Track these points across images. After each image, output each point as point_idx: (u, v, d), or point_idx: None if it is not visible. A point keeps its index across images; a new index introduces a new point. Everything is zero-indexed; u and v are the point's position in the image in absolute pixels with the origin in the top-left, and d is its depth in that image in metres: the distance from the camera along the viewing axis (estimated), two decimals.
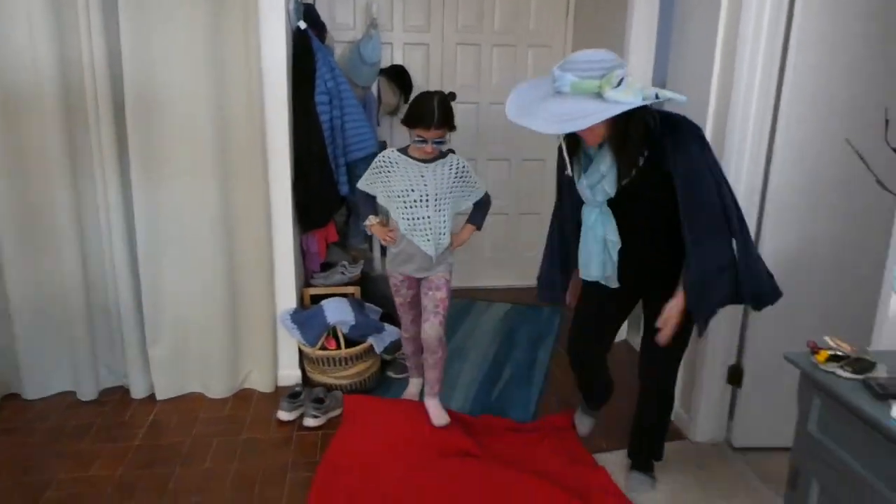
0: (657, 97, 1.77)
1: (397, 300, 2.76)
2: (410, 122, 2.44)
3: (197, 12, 2.69)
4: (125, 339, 2.98)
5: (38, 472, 2.48)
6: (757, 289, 1.97)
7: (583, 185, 2.05)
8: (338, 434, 2.73)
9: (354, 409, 2.89)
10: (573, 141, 2.05)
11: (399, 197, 2.54)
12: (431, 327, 2.62)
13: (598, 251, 2.07)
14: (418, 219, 2.54)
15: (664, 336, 2.03)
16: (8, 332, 2.91)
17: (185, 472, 2.51)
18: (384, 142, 4.09)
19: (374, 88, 4.03)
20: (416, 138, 2.44)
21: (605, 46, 1.92)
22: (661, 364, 2.26)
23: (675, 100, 1.79)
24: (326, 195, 3.17)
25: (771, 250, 2.40)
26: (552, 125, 1.78)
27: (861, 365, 1.34)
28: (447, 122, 2.42)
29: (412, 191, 2.53)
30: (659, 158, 1.92)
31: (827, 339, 1.41)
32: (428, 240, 2.56)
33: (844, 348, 1.38)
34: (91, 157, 2.80)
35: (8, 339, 2.92)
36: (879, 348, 1.57)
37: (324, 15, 3.62)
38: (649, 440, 2.43)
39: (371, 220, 2.67)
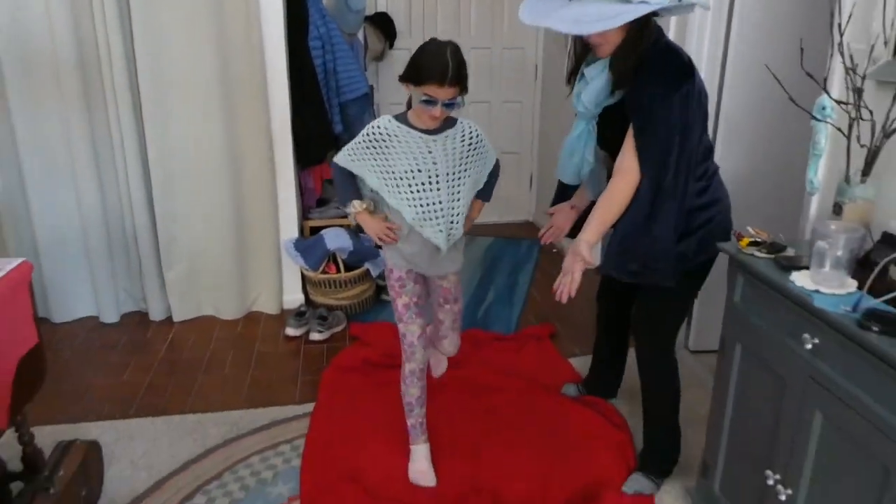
0: (681, 1, 1.69)
1: (400, 301, 2.13)
2: (416, 76, 1.85)
3: None
4: (143, 266, 3.28)
5: (76, 380, 2.80)
6: (653, 263, 1.86)
7: (573, 95, 2.00)
8: (344, 349, 3.06)
9: (359, 332, 3.21)
10: (582, 57, 1.96)
11: (403, 179, 1.96)
12: (452, 343, 2.30)
13: (573, 164, 2.05)
14: (428, 205, 1.97)
15: (564, 290, 1.87)
16: (35, 261, 3.18)
17: (206, 379, 2.85)
18: (371, 86, 4.33)
19: (360, 35, 4.25)
20: (424, 97, 1.85)
21: None
22: (640, 351, 2.15)
23: (700, 4, 1.73)
24: (322, 133, 3.45)
25: (723, 167, 2.74)
26: (571, 26, 1.70)
27: (774, 248, 1.68)
28: (463, 78, 1.85)
29: (418, 171, 1.95)
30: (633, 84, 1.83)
31: (749, 228, 1.75)
32: (440, 230, 1.99)
33: (762, 236, 1.72)
34: (105, 98, 3.04)
35: (35, 268, 3.19)
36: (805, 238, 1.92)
37: None
38: (647, 441, 2.22)
39: (355, 207, 2.06)
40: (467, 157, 2.01)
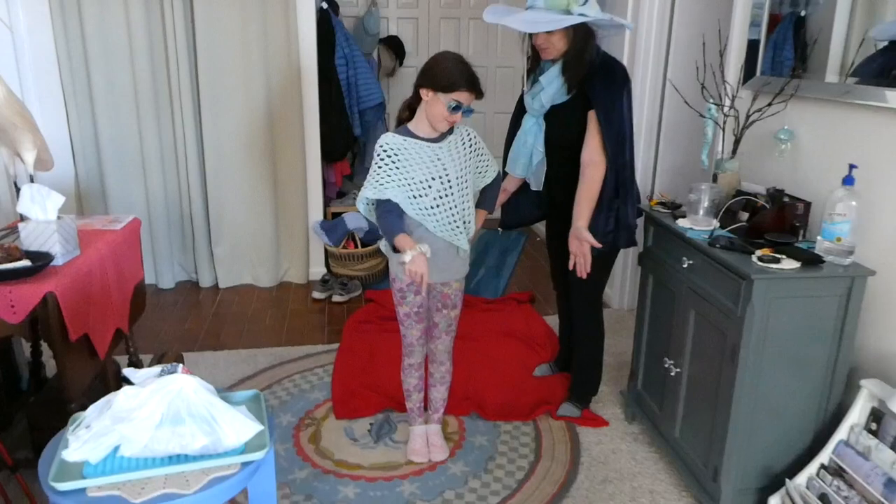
0: (612, 20, 2.18)
1: (402, 310, 2.29)
2: (446, 84, 1.97)
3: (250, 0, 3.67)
4: (196, 242, 3.99)
5: (150, 325, 3.50)
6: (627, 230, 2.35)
7: (527, 96, 2.41)
8: (361, 308, 3.76)
9: (373, 296, 3.91)
10: (535, 61, 2.38)
11: (421, 192, 2.04)
12: (443, 343, 2.38)
13: (525, 154, 2.44)
14: (447, 210, 2.07)
15: (580, 268, 2.31)
16: None
17: (251, 327, 3.55)
18: (384, 97, 5.08)
19: (374, 54, 5.00)
20: (453, 103, 1.97)
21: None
22: (575, 304, 2.56)
23: (625, 25, 2.22)
24: (344, 135, 4.18)
25: (665, 163, 3.46)
26: (525, 26, 2.12)
27: (672, 205, 2.38)
28: (481, 86, 2.03)
29: (433, 179, 2.04)
30: (589, 90, 2.23)
31: (658, 194, 2.46)
32: (460, 231, 2.11)
33: (666, 198, 2.43)
34: (171, 105, 3.78)
35: None
36: None
37: None
38: (577, 375, 2.69)
39: (415, 250, 1.96)
40: (469, 158, 2.17)
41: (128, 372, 1.43)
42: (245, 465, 1.40)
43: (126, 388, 1.38)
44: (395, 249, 2.05)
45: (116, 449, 1.36)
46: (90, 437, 1.33)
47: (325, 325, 3.60)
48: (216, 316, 3.69)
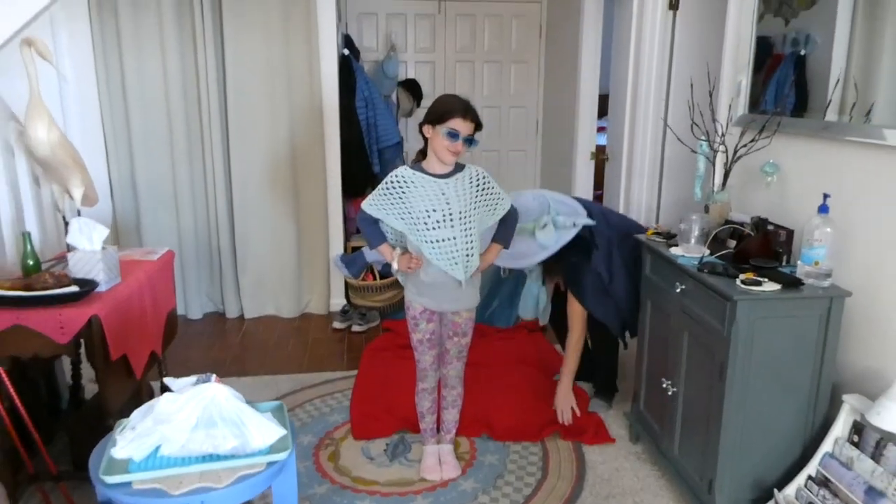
0: (574, 225, 2.71)
1: (415, 336, 2.48)
2: (439, 116, 2.18)
3: (275, 45, 3.94)
4: (223, 274, 4.21)
5: (178, 353, 3.69)
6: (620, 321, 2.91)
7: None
8: (379, 337, 3.94)
9: (391, 325, 4.08)
10: None
11: (420, 219, 2.24)
12: (454, 369, 2.56)
13: (532, 303, 3.23)
14: (444, 241, 2.24)
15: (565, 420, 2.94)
16: None
17: (275, 354, 3.74)
18: (401, 136, 5.33)
19: (393, 96, 5.27)
20: (448, 131, 2.15)
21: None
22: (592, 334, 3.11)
23: (587, 223, 2.73)
24: (364, 172, 4.41)
25: (668, 198, 3.63)
26: (508, 262, 2.78)
27: (666, 235, 2.54)
28: (478, 117, 2.22)
29: (434, 210, 2.22)
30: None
31: (654, 225, 2.62)
32: (456, 263, 2.27)
33: (661, 228, 2.59)
34: (202, 147, 4.04)
35: None
36: None
37: (356, 41, 4.87)
38: (600, 376, 3.17)
39: (397, 252, 2.34)
40: (477, 198, 2.28)
41: (168, 380, 1.62)
42: (270, 464, 1.57)
43: (166, 395, 1.57)
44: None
45: (157, 449, 1.54)
46: (135, 436, 1.51)
47: (345, 353, 3.77)
48: (241, 344, 3.88)
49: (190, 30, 3.87)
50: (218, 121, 3.98)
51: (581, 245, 2.79)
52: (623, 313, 2.88)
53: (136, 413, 1.60)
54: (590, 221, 2.77)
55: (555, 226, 2.73)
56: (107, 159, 3.98)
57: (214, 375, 1.62)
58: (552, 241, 2.70)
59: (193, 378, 1.62)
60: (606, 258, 2.81)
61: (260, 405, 1.77)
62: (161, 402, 1.56)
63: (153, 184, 4.05)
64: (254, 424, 1.58)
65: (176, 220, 4.12)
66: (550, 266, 2.95)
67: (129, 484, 1.47)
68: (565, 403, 2.94)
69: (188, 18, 3.85)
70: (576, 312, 2.91)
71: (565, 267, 2.88)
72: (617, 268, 2.83)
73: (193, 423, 1.52)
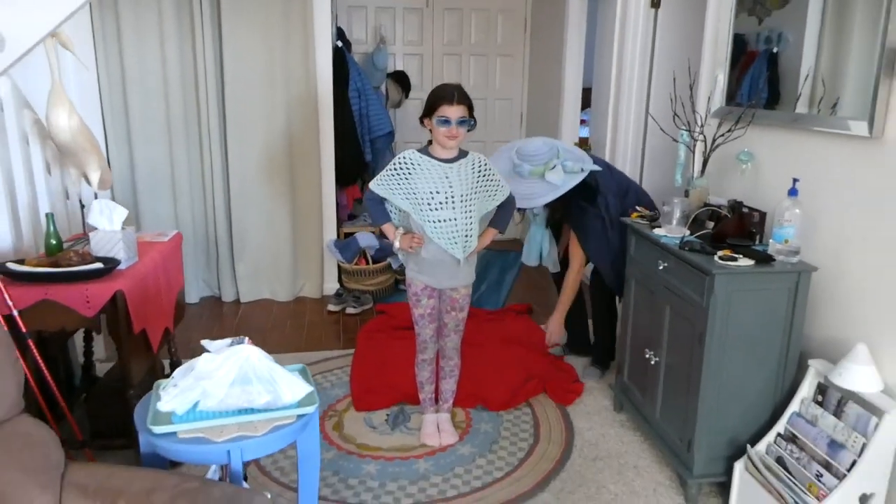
0: (582, 170, 2.89)
1: (416, 311, 2.64)
2: (430, 106, 2.35)
3: (272, 37, 4.06)
4: (220, 259, 4.34)
5: (180, 335, 3.81)
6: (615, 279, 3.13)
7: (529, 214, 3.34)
8: (373, 318, 4.10)
9: (384, 308, 4.24)
10: None
11: (424, 199, 2.40)
12: (451, 341, 2.73)
13: (535, 249, 3.37)
14: (445, 221, 2.40)
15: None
16: None
17: (272, 335, 3.89)
18: (393, 126, 5.48)
19: (382, 88, 5.41)
20: (440, 118, 2.31)
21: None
22: (594, 298, 3.43)
23: (594, 169, 2.92)
24: (356, 161, 4.56)
25: (650, 183, 3.84)
26: (521, 202, 2.82)
27: (650, 217, 2.75)
28: (468, 99, 2.34)
29: (437, 192, 2.38)
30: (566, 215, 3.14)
31: (638, 208, 2.83)
32: (455, 242, 2.43)
33: (645, 212, 2.80)
34: (200, 135, 4.16)
35: None
36: None
37: (347, 34, 5.01)
38: (597, 344, 3.48)
39: (399, 231, 2.50)
40: (478, 182, 2.44)
41: (205, 342, 1.77)
42: (299, 417, 1.73)
43: (204, 355, 1.72)
44: (384, 235, 2.58)
45: (195, 405, 1.70)
46: (178, 392, 1.67)
47: (341, 334, 3.93)
48: (240, 326, 4.02)
49: (189, 21, 3.98)
50: (216, 111, 4.10)
51: (587, 192, 2.98)
52: (617, 264, 3.06)
53: (178, 371, 1.75)
54: (596, 167, 2.95)
55: (563, 170, 2.89)
56: (106, 148, 4.07)
57: (247, 338, 1.78)
58: (561, 181, 2.86)
59: (228, 340, 1.77)
60: (607, 206, 3.02)
61: (286, 367, 1.93)
62: (200, 362, 1.71)
63: (152, 172, 4.15)
64: (284, 381, 1.74)
65: (174, 208, 4.23)
66: (556, 208, 3.12)
67: (174, 434, 1.63)
68: (556, 330, 3.28)
69: (187, 10, 3.96)
70: (576, 256, 3.16)
71: (570, 210, 3.07)
72: (616, 217, 3.02)
73: (231, 379, 1.68)
